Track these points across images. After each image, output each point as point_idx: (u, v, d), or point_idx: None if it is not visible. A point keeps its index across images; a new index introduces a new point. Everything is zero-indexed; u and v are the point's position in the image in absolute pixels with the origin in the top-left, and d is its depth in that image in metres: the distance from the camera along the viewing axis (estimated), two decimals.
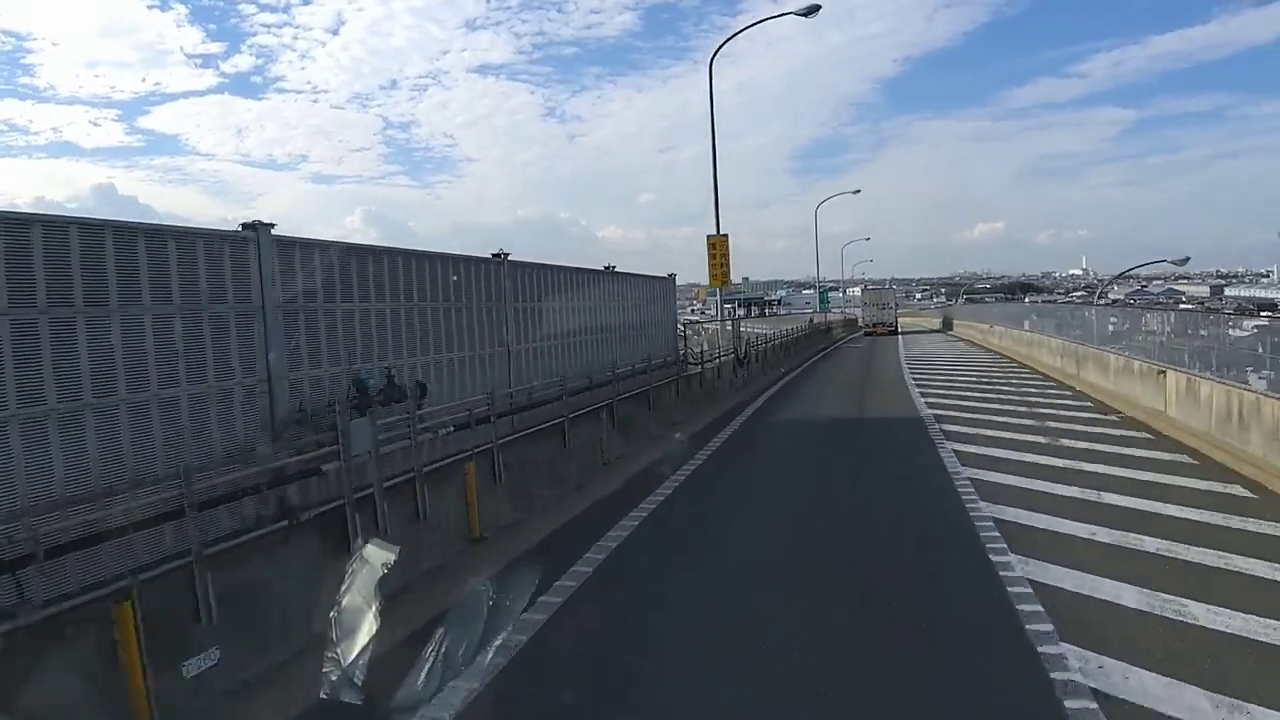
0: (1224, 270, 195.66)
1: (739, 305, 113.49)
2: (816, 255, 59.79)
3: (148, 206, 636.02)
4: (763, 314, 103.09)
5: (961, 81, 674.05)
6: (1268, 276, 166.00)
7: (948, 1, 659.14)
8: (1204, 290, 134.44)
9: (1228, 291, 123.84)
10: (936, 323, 69.09)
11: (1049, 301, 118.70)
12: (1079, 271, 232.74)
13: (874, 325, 55.74)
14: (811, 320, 51.32)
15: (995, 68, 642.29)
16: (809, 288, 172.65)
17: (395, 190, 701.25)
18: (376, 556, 4.87)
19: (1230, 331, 15.39)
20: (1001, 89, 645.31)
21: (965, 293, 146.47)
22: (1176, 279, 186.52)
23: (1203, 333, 16.77)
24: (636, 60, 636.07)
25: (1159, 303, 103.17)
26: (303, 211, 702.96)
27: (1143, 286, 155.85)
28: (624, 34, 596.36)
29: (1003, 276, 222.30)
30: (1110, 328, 22.57)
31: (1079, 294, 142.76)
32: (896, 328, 56.16)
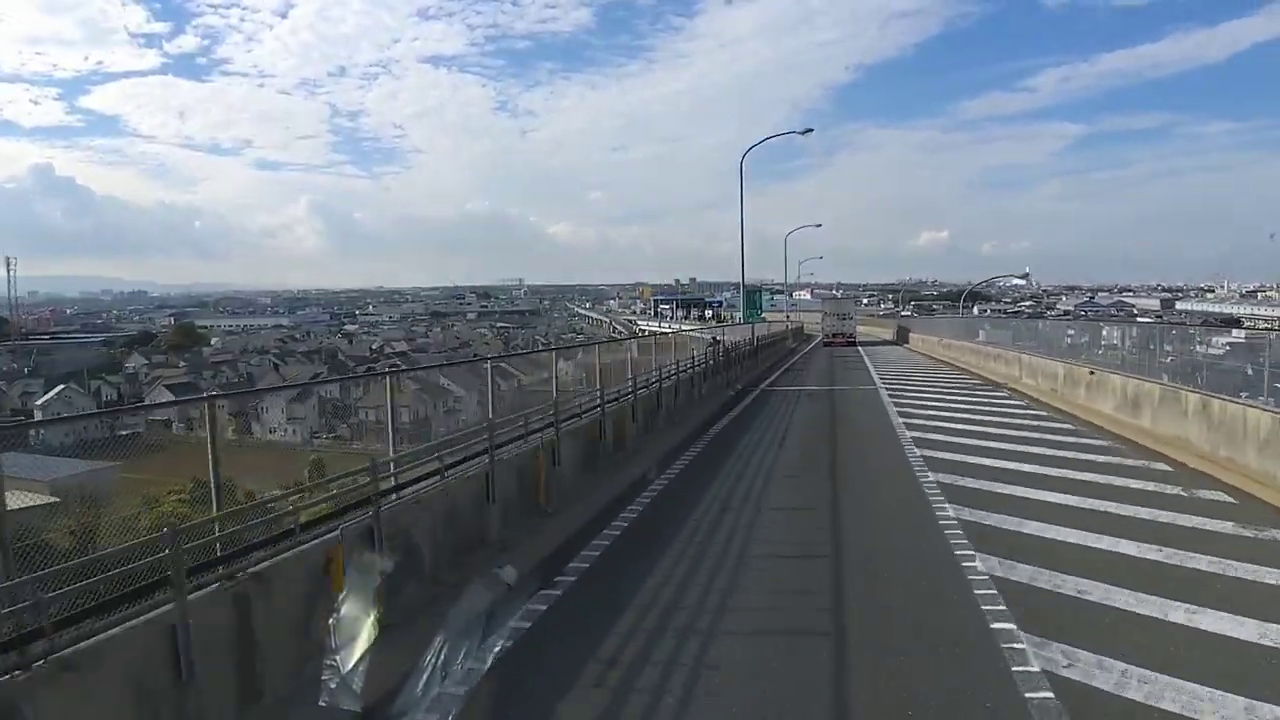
0: (1165, 284, 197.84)
1: (678, 306, 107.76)
2: (741, 234, 39.72)
3: (86, 188, 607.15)
4: (703, 317, 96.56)
5: (913, 92, 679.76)
6: (1212, 292, 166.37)
7: (901, 11, 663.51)
8: (1153, 303, 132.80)
9: (1178, 305, 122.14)
10: (889, 334, 66.16)
11: (1000, 312, 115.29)
12: (1021, 281, 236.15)
13: (833, 335, 55.06)
14: (716, 344, 26.52)
15: (946, 79, 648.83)
16: (753, 288, 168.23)
17: (342, 180, 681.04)
18: None
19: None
20: (952, 100, 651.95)
21: (913, 300, 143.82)
22: (1122, 291, 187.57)
23: None
24: (591, 57, 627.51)
25: (1113, 315, 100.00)
26: (246, 198, 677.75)
27: (1090, 297, 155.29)
28: (578, 30, 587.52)
29: (948, 284, 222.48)
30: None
31: (1026, 304, 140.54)
32: (855, 339, 55.81)
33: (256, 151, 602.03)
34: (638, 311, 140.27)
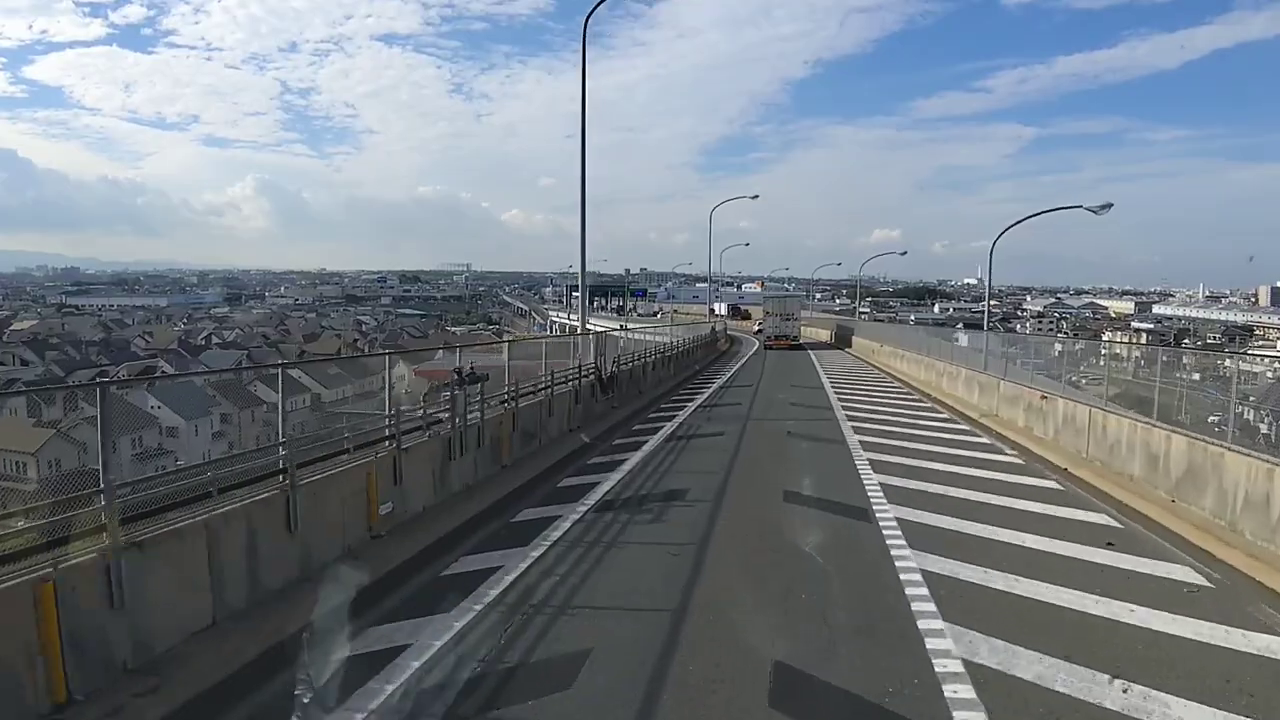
0: (1114, 286, 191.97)
1: (590, 295, 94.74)
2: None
3: (27, 161, 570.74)
4: (621, 310, 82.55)
5: (870, 88, 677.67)
6: (1172, 296, 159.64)
7: (860, 7, 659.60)
8: (1126, 306, 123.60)
9: (1155, 310, 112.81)
10: (826, 334, 59.22)
11: (963, 310, 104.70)
12: (973, 280, 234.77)
13: (775, 338, 48.83)
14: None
15: (903, 77, 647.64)
16: (702, 281, 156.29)
17: (293, 159, 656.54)
18: None
19: None
20: (908, 99, 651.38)
21: (870, 297, 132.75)
22: (1077, 293, 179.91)
23: None
24: (548, 42, 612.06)
25: (1094, 320, 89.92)
26: (192, 175, 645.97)
27: (1057, 300, 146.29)
28: (535, 13, 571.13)
29: (901, 281, 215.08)
30: None
31: (992, 302, 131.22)
32: (800, 341, 50.01)
33: (204, 127, 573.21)
34: (549, 301, 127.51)
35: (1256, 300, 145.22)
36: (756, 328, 66.78)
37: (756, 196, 47.09)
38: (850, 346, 47.40)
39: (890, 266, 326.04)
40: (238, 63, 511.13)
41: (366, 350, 53.46)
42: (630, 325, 38.31)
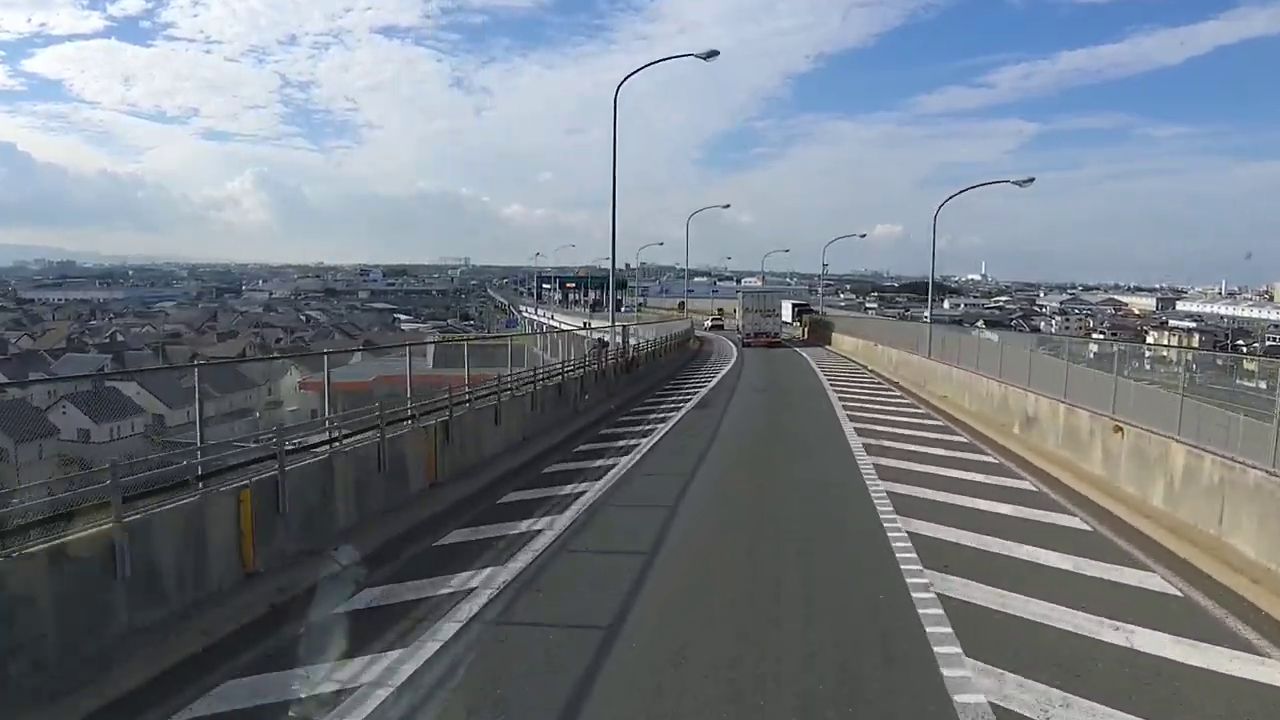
0: (1121, 283, 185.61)
1: (558, 287, 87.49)
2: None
3: (26, 154, 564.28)
4: (597, 305, 75.58)
5: (871, 83, 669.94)
6: (1184, 293, 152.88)
7: (863, 0, 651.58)
8: (1148, 303, 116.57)
9: (1179, 306, 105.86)
10: (798, 329, 54.83)
11: (974, 306, 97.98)
12: (978, 276, 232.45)
13: (754, 335, 46.04)
14: None
15: (906, 72, 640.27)
16: (702, 274, 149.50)
17: (294, 153, 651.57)
18: None
19: None
20: (910, 94, 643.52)
21: (874, 290, 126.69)
22: (1087, 289, 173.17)
23: None
24: (549, 36, 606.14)
25: (1119, 316, 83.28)
26: (192, 169, 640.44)
27: (1071, 295, 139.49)
28: (536, 6, 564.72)
29: (904, 277, 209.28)
30: None
31: (1002, 299, 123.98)
32: (780, 338, 46.82)
33: (204, 121, 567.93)
34: (523, 296, 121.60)
35: (1271, 297, 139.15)
36: (709, 323, 61.58)
37: (716, 53, 30.04)
38: (829, 344, 43.36)
39: (892, 263, 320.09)
40: (237, 56, 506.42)
41: (293, 350, 46.44)
42: (594, 324, 34.10)
